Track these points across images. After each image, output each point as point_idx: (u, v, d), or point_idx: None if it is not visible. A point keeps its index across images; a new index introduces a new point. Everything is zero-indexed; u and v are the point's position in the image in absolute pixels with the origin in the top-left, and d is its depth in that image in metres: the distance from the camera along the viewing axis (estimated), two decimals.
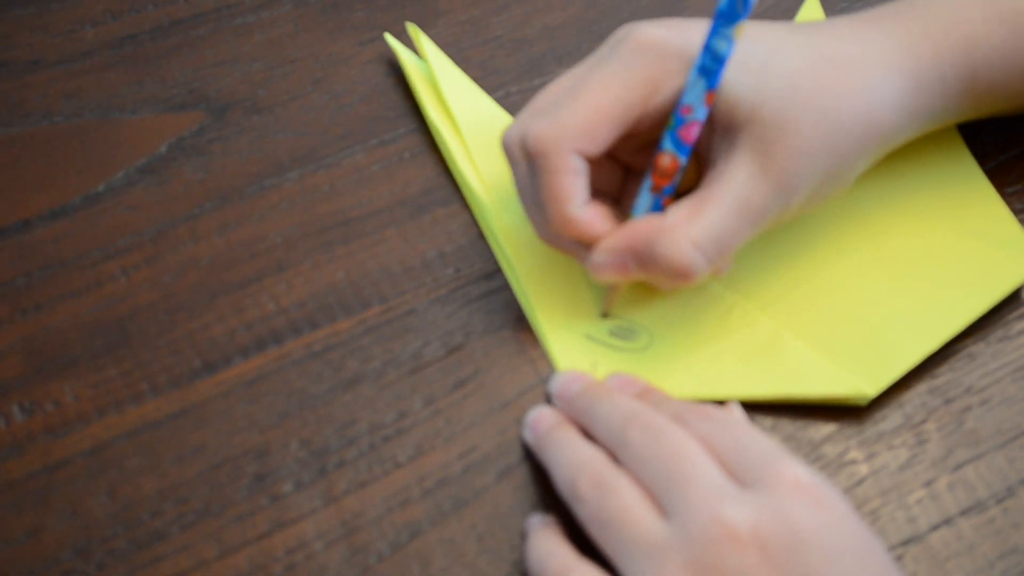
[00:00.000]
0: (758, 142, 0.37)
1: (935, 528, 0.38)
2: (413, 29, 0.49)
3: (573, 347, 0.41)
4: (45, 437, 0.39)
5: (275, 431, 0.40)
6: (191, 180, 0.46)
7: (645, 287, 0.42)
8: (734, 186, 0.37)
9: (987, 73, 0.41)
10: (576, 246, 0.40)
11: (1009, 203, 0.45)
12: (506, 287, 0.43)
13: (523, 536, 0.38)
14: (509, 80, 0.49)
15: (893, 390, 0.41)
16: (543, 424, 0.39)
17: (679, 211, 0.38)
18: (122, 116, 0.48)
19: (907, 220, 0.44)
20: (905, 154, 0.45)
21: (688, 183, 0.41)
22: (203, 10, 0.51)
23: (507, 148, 0.40)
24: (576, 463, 0.36)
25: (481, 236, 0.45)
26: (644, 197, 0.39)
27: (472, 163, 0.45)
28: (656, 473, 0.34)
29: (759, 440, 0.35)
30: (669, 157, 0.38)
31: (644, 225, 0.38)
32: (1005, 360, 0.42)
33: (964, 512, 0.39)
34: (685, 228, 0.37)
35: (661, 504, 0.34)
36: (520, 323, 0.42)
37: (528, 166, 0.39)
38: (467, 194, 0.45)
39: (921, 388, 0.41)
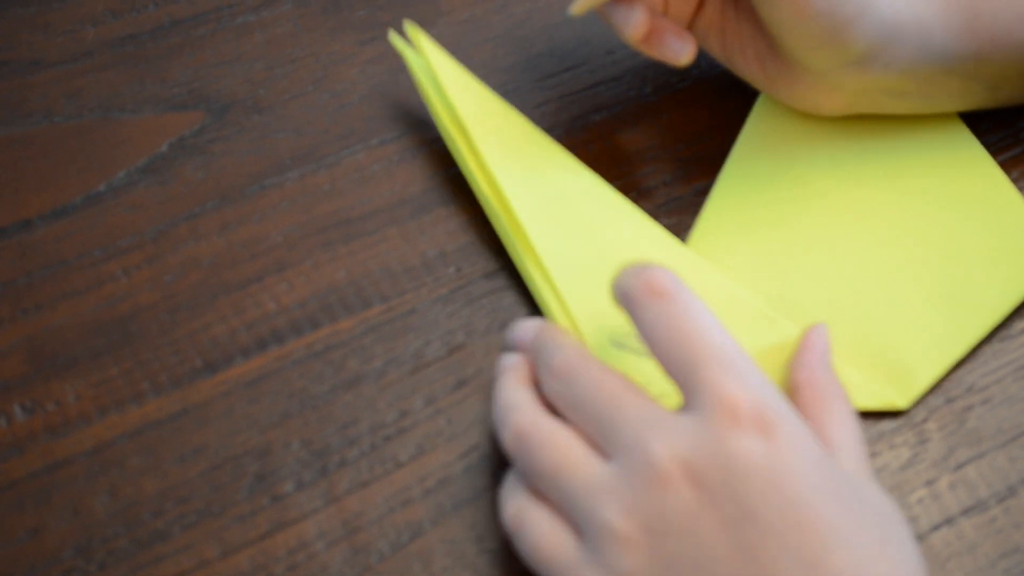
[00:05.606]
0: None
1: (936, 528, 0.38)
2: (412, 29, 0.49)
3: (595, 350, 0.40)
4: (46, 436, 0.39)
5: (276, 431, 0.40)
6: (192, 180, 0.46)
7: None
8: None
9: (988, 7, 0.41)
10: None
11: None
12: (508, 286, 0.43)
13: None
14: (509, 79, 0.49)
15: None
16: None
17: None
18: (123, 116, 0.48)
19: (926, 224, 0.44)
20: (921, 157, 0.45)
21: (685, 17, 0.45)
22: (204, 10, 0.51)
23: None
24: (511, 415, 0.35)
25: (482, 235, 0.45)
26: None
27: (481, 163, 0.45)
28: (588, 417, 0.33)
29: (686, 349, 0.32)
30: None
31: None
32: (1006, 359, 0.42)
33: (965, 512, 0.39)
34: None
35: (602, 447, 0.33)
36: None
37: None
38: (481, 199, 0.45)
39: None
